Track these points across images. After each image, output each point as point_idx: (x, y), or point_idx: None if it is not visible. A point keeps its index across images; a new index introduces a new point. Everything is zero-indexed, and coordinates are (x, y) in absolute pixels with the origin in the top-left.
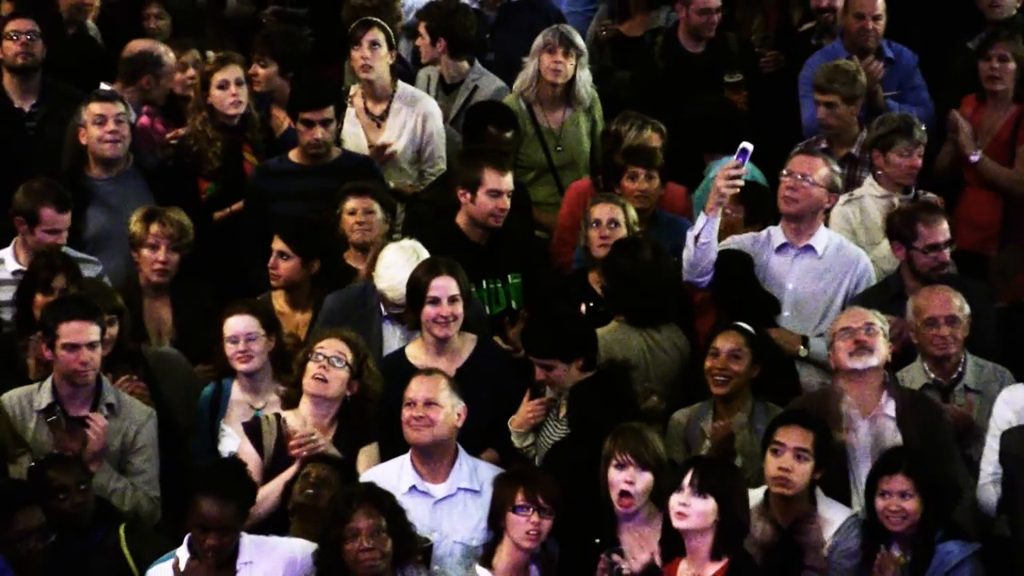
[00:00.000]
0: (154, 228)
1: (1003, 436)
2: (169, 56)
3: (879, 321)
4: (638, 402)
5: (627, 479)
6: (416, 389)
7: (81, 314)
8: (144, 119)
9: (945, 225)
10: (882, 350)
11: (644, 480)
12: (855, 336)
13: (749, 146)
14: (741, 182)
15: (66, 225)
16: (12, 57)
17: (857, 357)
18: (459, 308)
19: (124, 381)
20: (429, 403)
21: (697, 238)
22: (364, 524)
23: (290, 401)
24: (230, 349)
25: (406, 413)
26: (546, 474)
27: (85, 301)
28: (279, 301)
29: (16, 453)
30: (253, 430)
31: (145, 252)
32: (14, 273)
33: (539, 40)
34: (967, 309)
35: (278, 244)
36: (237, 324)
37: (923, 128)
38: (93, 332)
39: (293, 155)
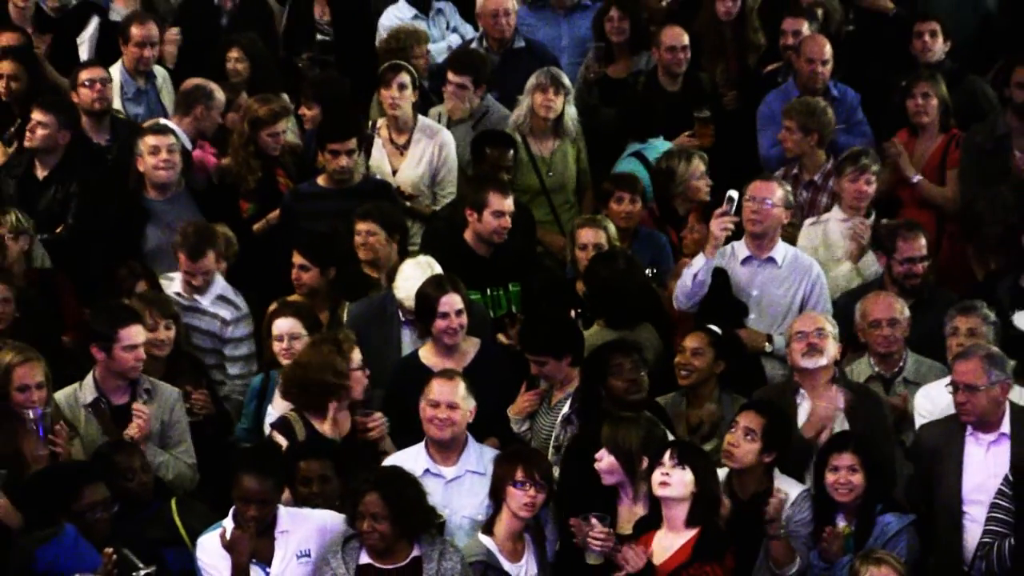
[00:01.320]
0: None
1: (919, 430)
2: (219, 92)
3: (829, 325)
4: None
5: (598, 456)
6: (440, 392)
7: (134, 319)
8: (198, 150)
9: (922, 242)
10: (830, 351)
11: (608, 461)
12: (807, 339)
13: (735, 194)
14: (732, 227)
15: (200, 269)
16: (90, 103)
17: (808, 357)
18: (464, 319)
19: (195, 395)
20: (452, 406)
21: (695, 276)
22: (368, 508)
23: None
24: (276, 346)
25: (430, 412)
26: (539, 453)
27: (130, 308)
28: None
29: (69, 438)
30: (285, 428)
31: None
32: (176, 294)
33: (532, 80)
34: (907, 312)
35: (298, 258)
36: (283, 325)
37: (872, 157)
38: (144, 334)
39: (321, 180)
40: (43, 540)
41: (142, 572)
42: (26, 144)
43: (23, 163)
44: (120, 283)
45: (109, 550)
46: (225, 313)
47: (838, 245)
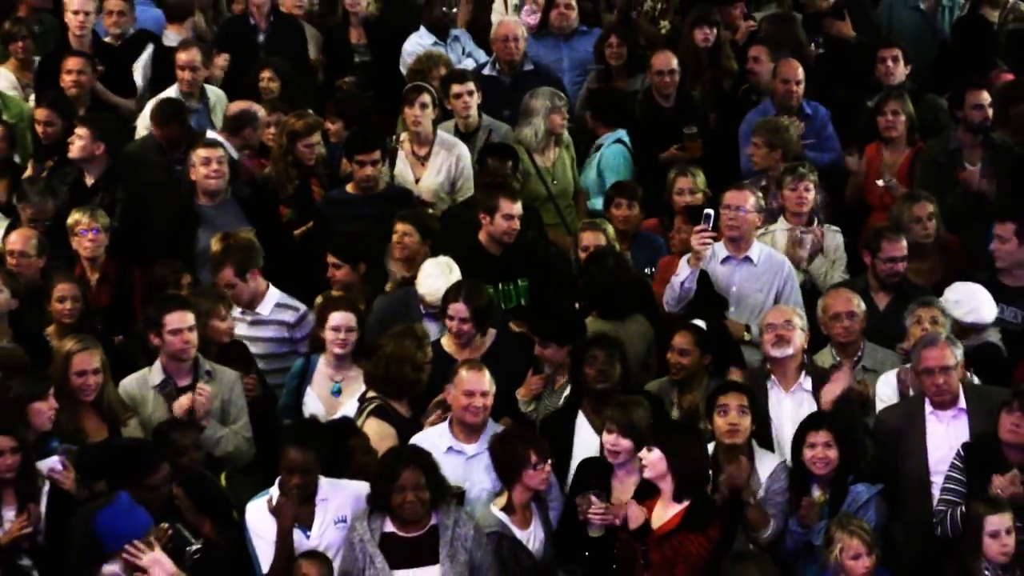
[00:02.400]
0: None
1: (880, 414)
2: (262, 112)
3: (797, 317)
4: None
5: (612, 442)
6: (473, 382)
7: (179, 305)
8: (246, 160)
9: (903, 245)
10: (797, 341)
11: (624, 443)
12: (776, 331)
13: (711, 212)
14: (711, 241)
15: (221, 282)
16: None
17: (777, 347)
18: (467, 326)
19: (246, 379)
20: (484, 394)
21: (682, 283)
22: (409, 481)
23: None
24: (331, 335)
25: (465, 401)
26: (536, 432)
27: (179, 296)
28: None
29: (126, 417)
30: (384, 413)
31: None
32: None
33: (547, 103)
34: (863, 306)
35: (331, 258)
36: (341, 318)
37: (809, 168)
38: (190, 318)
39: (349, 187)
40: (102, 506)
41: (193, 547)
42: (69, 155)
43: (73, 172)
44: (162, 280)
45: (164, 525)
46: (287, 317)
47: (783, 252)
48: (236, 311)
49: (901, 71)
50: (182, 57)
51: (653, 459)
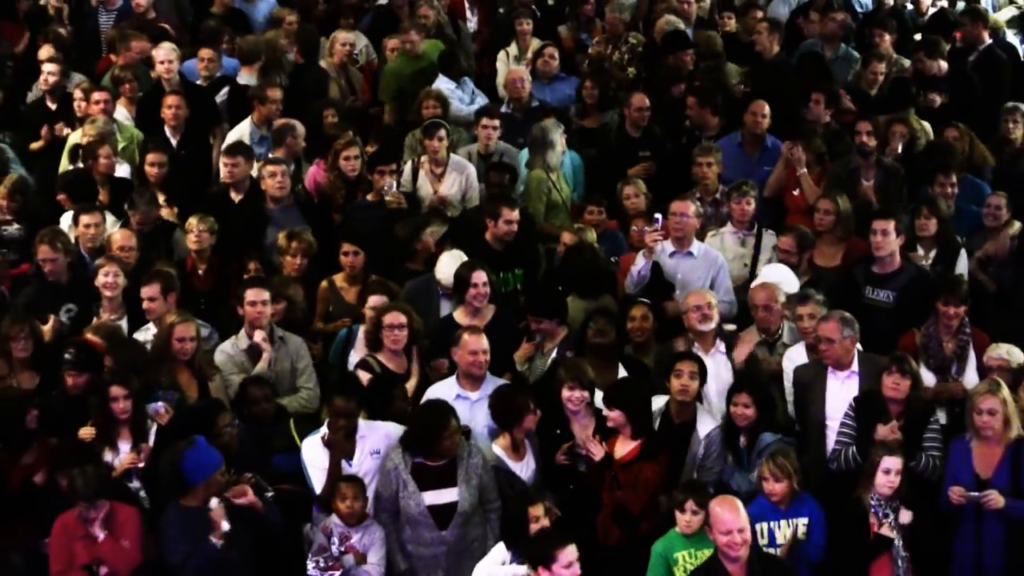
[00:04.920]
0: (294, 243)
1: (794, 371)
2: (300, 126)
3: (713, 298)
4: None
5: (578, 396)
6: (477, 344)
7: (256, 284)
8: (314, 167)
9: (792, 240)
10: (716, 317)
11: (585, 394)
12: (701, 311)
13: (660, 216)
14: (660, 238)
15: (160, 306)
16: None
17: (703, 323)
18: (487, 289)
19: (315, 347)
20: (485, 352)
21: (639, 272)
22: (455, 428)
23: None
24: (371, 313)
25: (470, 358)
26: (525, 387)
27: (259, 277)
28: (339, 280)
29: (211, 374)
30: (366, 366)
31: (288, 258)
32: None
33: (560, 130)
34: (782, 298)
35: (350, 247)
36: (379, 300)
37: (751, 185)
38: (265, 294)
39: (370, 196)
40: (187, 447)
41: (269, 493)
42: (222, 179)
43: (220, 190)
44: (246, 267)
45: (248, 475)
46: (203, 332)
47: (729, 250)
48: (151, 333)
49: (821, 110)
50: (273, 95)
51: (615, 416)
